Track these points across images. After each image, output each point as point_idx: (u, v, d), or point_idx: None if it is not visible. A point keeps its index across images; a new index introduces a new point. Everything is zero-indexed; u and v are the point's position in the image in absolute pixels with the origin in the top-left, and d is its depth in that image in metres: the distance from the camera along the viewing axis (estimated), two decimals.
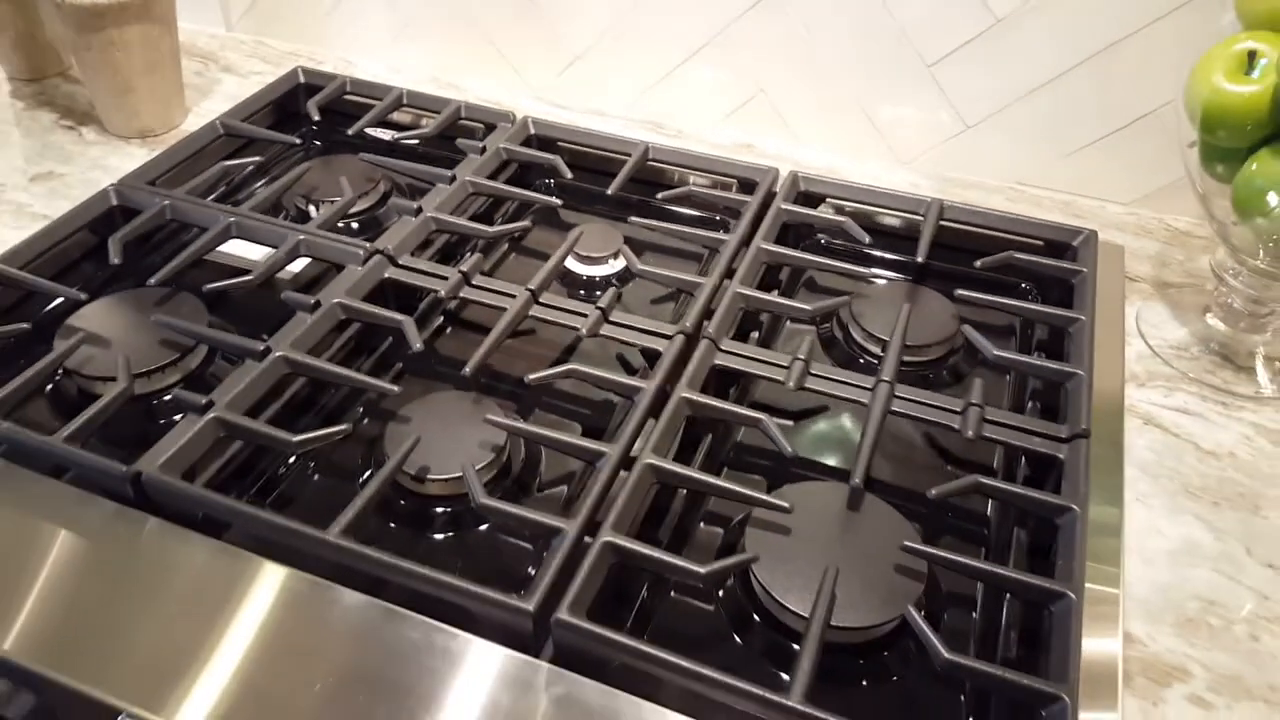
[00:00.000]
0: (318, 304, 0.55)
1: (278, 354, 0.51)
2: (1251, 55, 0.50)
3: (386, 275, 0.59)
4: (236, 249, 0.63)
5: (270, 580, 0.42)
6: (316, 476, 0.50)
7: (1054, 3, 0.65)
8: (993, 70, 0.69)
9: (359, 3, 0.86)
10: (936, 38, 0.70)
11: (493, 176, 0.69)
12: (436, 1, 0.83)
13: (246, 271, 0.58)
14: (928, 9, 0.69)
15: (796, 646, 0.39)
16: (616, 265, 0.64)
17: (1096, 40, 0.66)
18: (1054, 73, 0.68)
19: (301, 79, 0.79)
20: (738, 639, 0.43)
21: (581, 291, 0.63)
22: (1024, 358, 0.54)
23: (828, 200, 0.68)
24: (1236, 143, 0.52)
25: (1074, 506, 0.44)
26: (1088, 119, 0.69)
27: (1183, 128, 0.54)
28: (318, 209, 0.67)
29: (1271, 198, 0.50)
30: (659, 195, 0.68)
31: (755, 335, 0.61)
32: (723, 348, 0.54)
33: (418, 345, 0.53)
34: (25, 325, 0.55)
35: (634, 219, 0.65)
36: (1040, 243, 0.64)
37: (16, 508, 0.45)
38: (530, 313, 0.56)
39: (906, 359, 0.57)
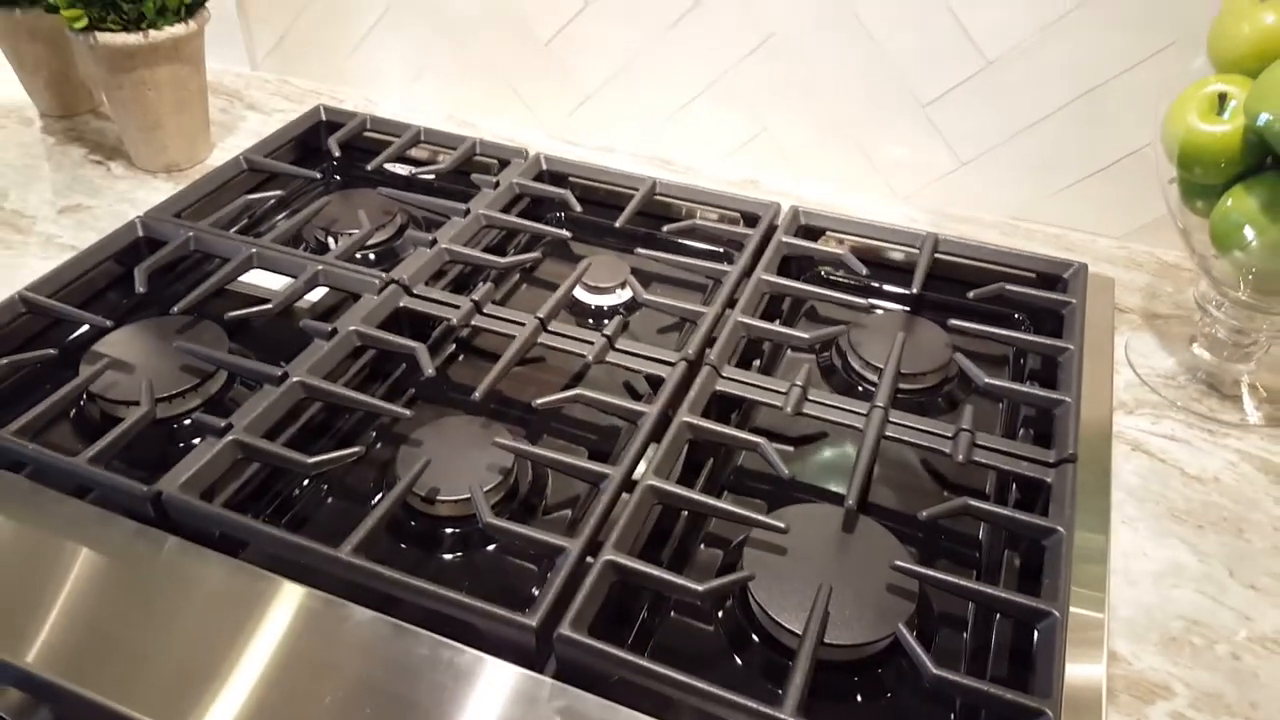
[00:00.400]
0: (334, 331, 0.57)
1: (295, 379, 0.53)
2: (1222, 97, 0.52)
3: (401, 304, 0.61)
4: (258, 279, 0.65)
5: (284, 597, 0.43)
6: (330, 498, 0.51)
7: (1042, 46, 0.68)
8: (985, 110, 0.72)
9: (379, 44, 0.90)
10: (931, 79, 0.72)
11: (506, 210, 0.72)
12: (454, 44, 0.86)
13: (267, 300, 0.60)
14: (922, 52, 0.71)
15: (792, 663, 0.40)
16: (623, 295, 0.66)
17: (1083, 81, 0.69)
18: (1044, 112, 0.71)
19: (323, 116, 0.82)
20: (736, 657, 0.44)
21: (589, 320, 0.65)
22: (1013, 385, 0.56)
23: (827, 233, 0.71)
24: (1212, 179, 0.54)
25: (1059, 528, 0.45)
26: (1078, 156, 0.72)
27: (1162, 165, 0.57)
28: (336, 241, 0.70)
29: (1247, 232, 0.52)
30: (665, 228, 0.71)
31: (757, 363, 0.63)
32: (724, 374, 0.55)
33: (430, 371, 0.55)
34: (52, 351, 0.57)
35: (641, 251, 0.67)
36: (1032, 275, 0.66)
37: (40, 526, 0.46)
38: (539, 340, 0.58)
39: (902, 386, 0.59)
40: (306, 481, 0.52)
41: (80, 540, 0.45)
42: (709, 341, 0.58)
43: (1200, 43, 0.56)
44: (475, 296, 0.60)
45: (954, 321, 0.60)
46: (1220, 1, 0.55)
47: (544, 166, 0.76)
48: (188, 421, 0.55)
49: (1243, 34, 0.54)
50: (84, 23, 0.72)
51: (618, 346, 0.57)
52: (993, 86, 0.71)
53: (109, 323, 0.59)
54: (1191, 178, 0.55)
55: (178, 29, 0.74)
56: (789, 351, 0.64)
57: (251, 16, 0.94)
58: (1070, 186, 0.73)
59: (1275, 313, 0.57)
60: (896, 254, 0.69)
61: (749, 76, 0.78)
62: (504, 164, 0.77)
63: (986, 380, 0.55)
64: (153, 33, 0.73)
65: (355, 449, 0.49)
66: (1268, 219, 0.52)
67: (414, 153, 0.80)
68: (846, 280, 0.70)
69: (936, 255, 0.66)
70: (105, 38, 0.72)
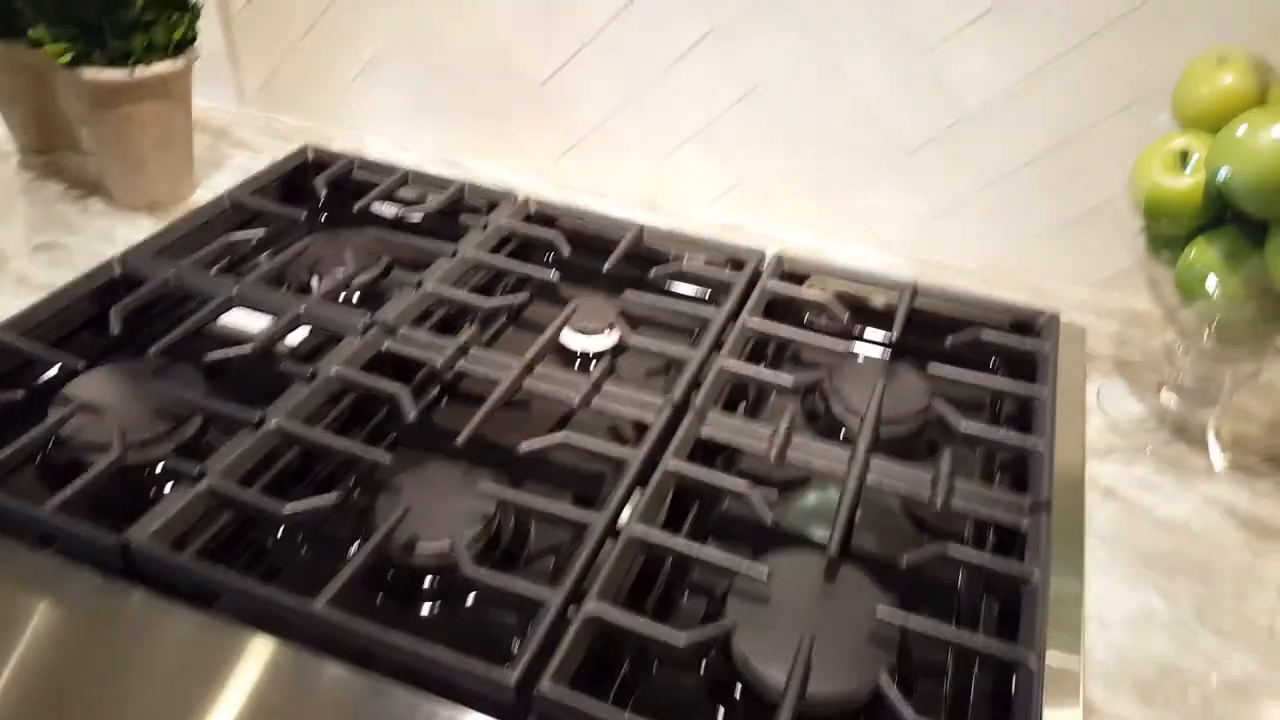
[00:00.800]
0: (315, 374, 0.57)
1: (272, 423, 0.52)
2: (1184, 154, 0.55)
3: (385, 346, 0.61)
4: (239, 319, 0.65)
5: (256, 652, 0.42)
6: (307, 546, 0.51)
7: (1016, 99, 0.70)
8: (963, 160, 0.74)
9: (370, 84, 0.90)
10: (910, 129, 0.74)
11: (494, 251, 0.72)
12: (446, 86, 0.87)
13: (246, 341, 0.59)
14: (902, 103, 0.73)
15: (775, 715, 0.40)
16: (610, 338, 0.66)
17: (1056, 133, 0.71)
18: (1019, 163, 0.73)
19: (310, 156, 0.82)
20: (720, 709, 0.44)
21: (576, 363, 0.66)
22: (989, 433, 0.57)
23: (811, 279, 0.71)
24: (1176, 231, 0.56)
25: (1034, 575, 0.46)
26: (1051, 206, 0.74)
27: (1130, 217, 0.59)
28: (320, 281, 0.69)
29: (1209, 283, 0.54)
30: (652, 272, 0.71)
31: (743, 404, 0.63)
32: (709, 419, 0.56)
33: (412, 415, 0.54)
34: (17, 393, 0.56)
35: (628, 293, 0.67)
36: (1007, 322, 0.67)
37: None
38: (524, 384, 0.58)
39: (882, 431, 0.59)
40: (282, 529, 0.51)
41: (41, 593, 0.44)
42: (695, 384, 0.59)
43: (1165, 99, 0.59)
44: (460, 339, 0.60)
45: (933, 366, 0.61)
46: (1183, 62, 0.58)
47: (533, 209, 0.77)
48: (160, 468, 0.53)
49: (1203, 94, 0.56)
50: (69, 58, 0.72)
51: (604, 390, 0.58)
52: (970, 137, 0.73)
53: (81, 364, 0.58)
54: (1157, 229, 0.58)
55: (165, 66, 0.74)
56: (774, 393, 0.64)
57: (241, 53, 0.94)
58: (1044, 235, 0.75)
59: (1239, 361, 0.59)
60: (877, 299, 0.70)
61: (735, 124, 0.79)
62: (493, 205, 0.77)
63: (964, 428, 0.56)
64: (140, 70, 0.73)
65: (331, 496, 0.48)
66: (1228, 270, 0.54)
67: (402, 193, 0.79)
68: (829, 324, 0.71)
69: (915, 303, 0.68)
70: (91, 74, 0.72)
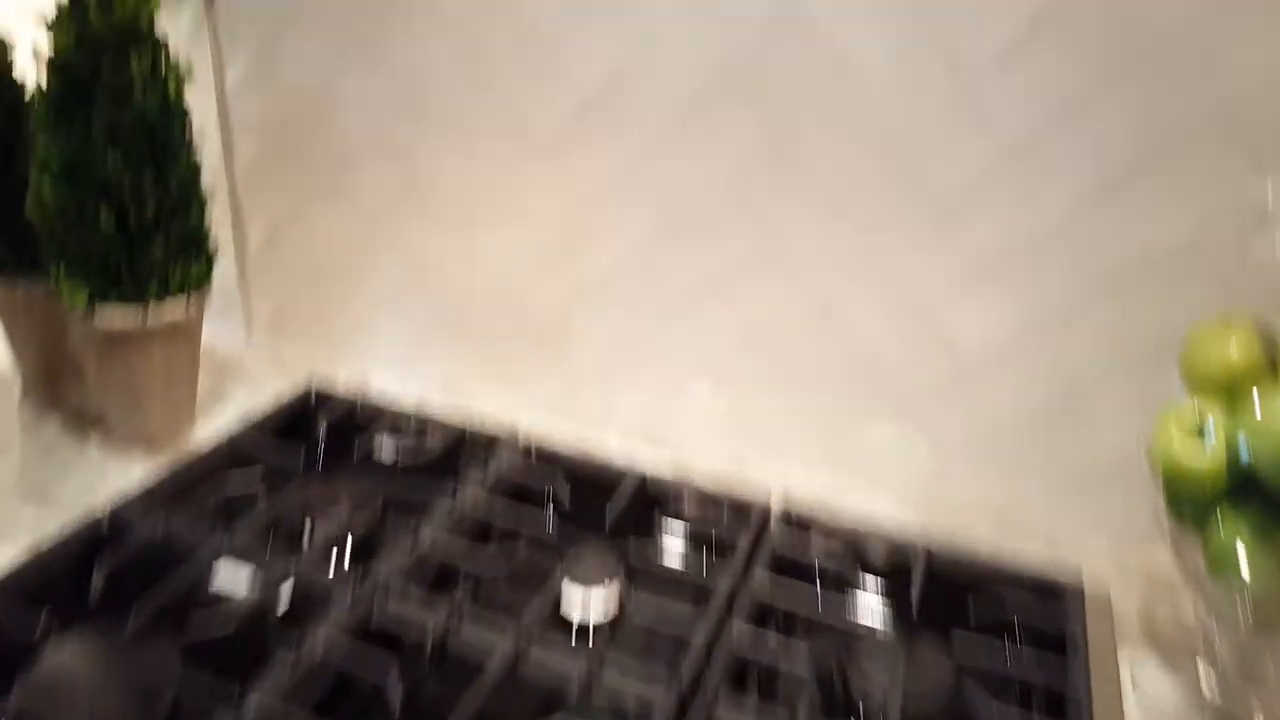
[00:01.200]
0: (301, 641, 0.54)
1: (252, 705, 0.49)
2: (1200, 422, 0.54)
3: (375, 608, 0.58)
4: (228, 573, 0.62)
5: None
6: None
7: (1019, 349, 0.70)
8: (967, 408, 0.73)
9: (377, 318, 0.92)
10: (912, 375, 0.74)
11: (492, 493, 0.71)
12: (451, 322, 0.89)
13: (232, 602, 0.57)
14: (902, 350, 0.74)
15: None
16: (611, 592, 0.63)
17: (1061, 385, 0.70)
18: (1026, 412, 0.71)
19: (313, 398, 0.82)
20: None
21: (575, 628, 0.62)
22: None
23: (819, 530, 0.69)
24: (1198, 497, 0.55)
25: None
26: (1062, 456, 0.72)
27: (1149, 479, 0.57)
28: (313, 531, 0.67)
29: (1240, 559, 0.52)
30: (655, 518, 0.69)
31: (755, 671, 0.59)
32: (720, 705, 0.52)
33: (397, 706, 0.51)
34: None
35: (631, 544, 0.65)
36: (1029, 584, 0.64)
37: None
38: (521, 657, 0.55)
39: (907, 714, 0.55)
40: None
41: None
42: (706, 653, 0.55)
43: (1171, 355, 0.59)
44: (455, 598, 0.58)
45: (957, 641, 0.58)
46: (1186, 320, 0.58)
47: (534, 452, 0.76)
48: None
49: (1211, 361, 0.57)
50: (83, 301, 0.72)
51: (605, 661, 0.54)
52: (973, 385, 0.72)
53: (56, 628, 0.55)
54: (1177, 496, 0.56)
55: (178, 313, 0.75)
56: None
57: (253, 289, 0.97)
58: (1054, 486, 0.73)
59: (1278, 639, 0.55)
60: (890, 556, 0.67)
61: (738, 363, 0.80)
62: (493, 445, 0.76)
63: None
64: (152, 315, 0.73)
65: None
66: (1259, 547, 0.52)
67: (403, 433, 0.78)
68: (840, 577, 0.68)
69: (930, 562, 0.65)
70: (103, 318, 0.72)
